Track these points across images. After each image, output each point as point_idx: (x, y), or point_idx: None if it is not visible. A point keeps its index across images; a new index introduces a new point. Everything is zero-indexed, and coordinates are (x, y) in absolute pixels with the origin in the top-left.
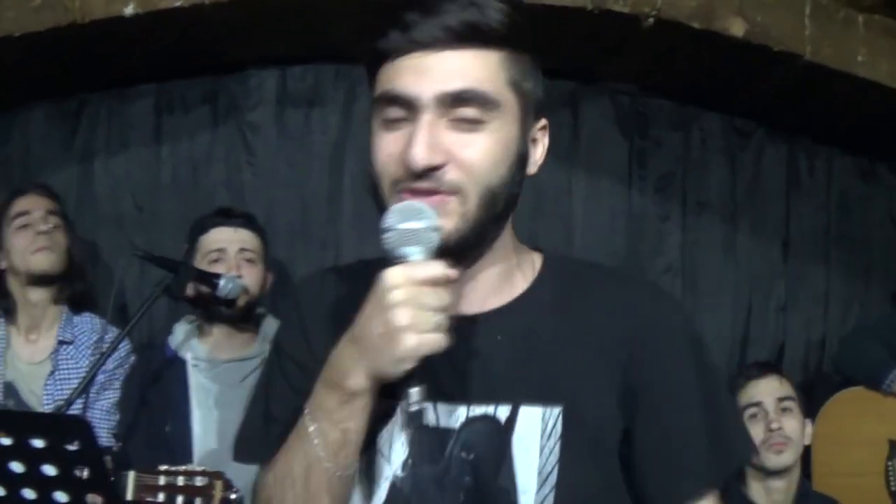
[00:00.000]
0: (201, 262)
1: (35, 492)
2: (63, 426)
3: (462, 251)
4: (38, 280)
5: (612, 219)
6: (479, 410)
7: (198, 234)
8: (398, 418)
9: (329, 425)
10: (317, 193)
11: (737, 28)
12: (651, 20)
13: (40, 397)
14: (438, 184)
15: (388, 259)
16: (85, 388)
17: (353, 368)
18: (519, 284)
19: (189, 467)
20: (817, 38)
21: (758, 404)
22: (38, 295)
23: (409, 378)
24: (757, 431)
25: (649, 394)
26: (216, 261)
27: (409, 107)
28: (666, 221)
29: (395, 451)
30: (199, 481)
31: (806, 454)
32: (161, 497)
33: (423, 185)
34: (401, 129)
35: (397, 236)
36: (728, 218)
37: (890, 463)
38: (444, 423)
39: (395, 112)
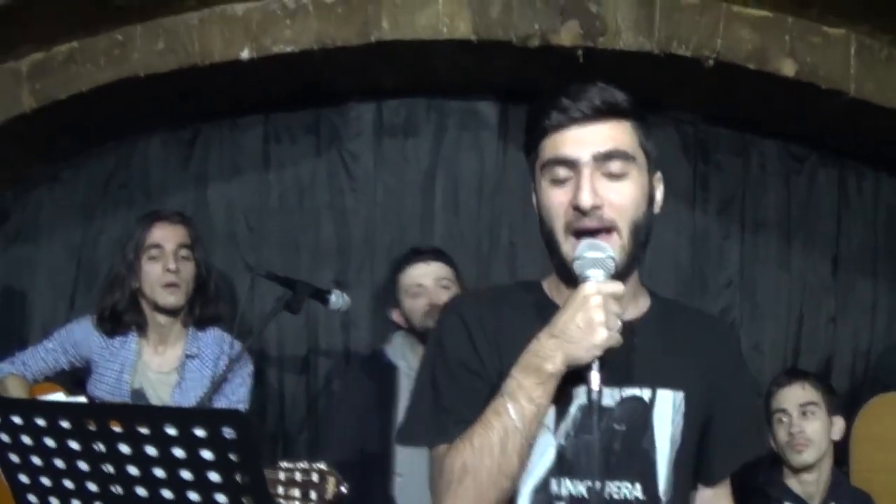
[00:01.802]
0: (405, 297)
1: (192, 473)
2: (222, 417)
3: (620, 275)
4: (165, 311)
5: (678, 237)
6: (628, 392)
7: (396, 273)
8: (563, 401)
9: (527, 402)
10: (411, 216)
11: (788, 69)
12: (711, 62)
13: (167, 403)
14: (600, 221)
15: (579, 280)
16: (210, 395)
17: (552, 356)
18: (642, 302)
19: (305, 464)
20: (861, 75)
21: (783, 410)
22: (165, 319)
23: (590, 367)
24: (782, 434)
25: (725, 395)
26: (418, 294)
27: (573, 166)
28: (727, 239)
29: (557, 424)
30: (315, 477)
31: (844, 450)
32: (280, 490)
33: (588, 222)
34: (566, 185)
35: (584, 262)
36: (783, 236)
37: None
38: (602, 402)
39: (562, 172)
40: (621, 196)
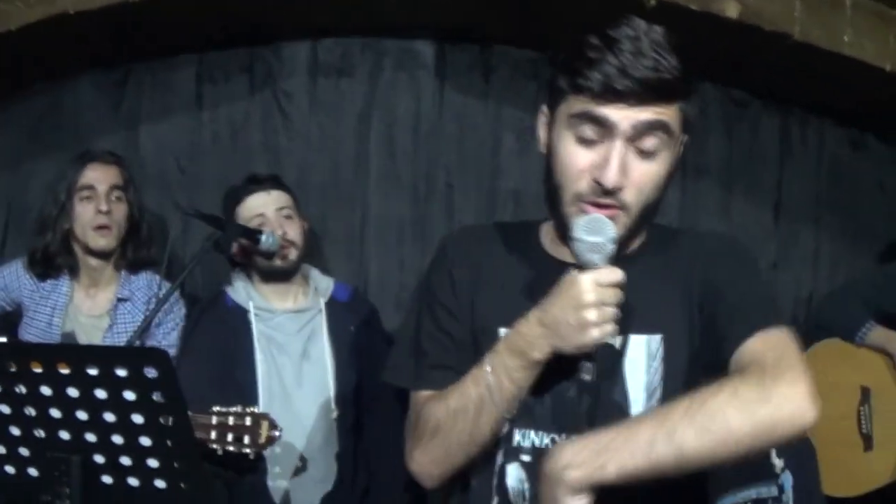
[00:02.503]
0: None
1: (115, 414)
2: (143, 355)
3: (620, 245)
4: (96, 254)
5: None
6: None
7: (234, 203)
8: None
9: (508, 381)
10: (345, 156)
11: (731, 10)
12: (653, 2)
13: None
14: (616, 201)
15: (578, 265)
16: (139, 336)
17: (540, 344)
18: (633, 245)
19: (238, 409)
20: (806, 19)
21: None
22: (97, 262)
23: (583, 359)
24: None
25: (717, 283)
26: (260, 225)
27: (606, 129)
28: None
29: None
30: (248, 421)
31: None
32: (213, 434)
33: (605, 200)
34: (593, 148)
35: (584, 246)
36: (724, 183)
37: (861, 408)
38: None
39: (590, 132)
40: (645, 178)
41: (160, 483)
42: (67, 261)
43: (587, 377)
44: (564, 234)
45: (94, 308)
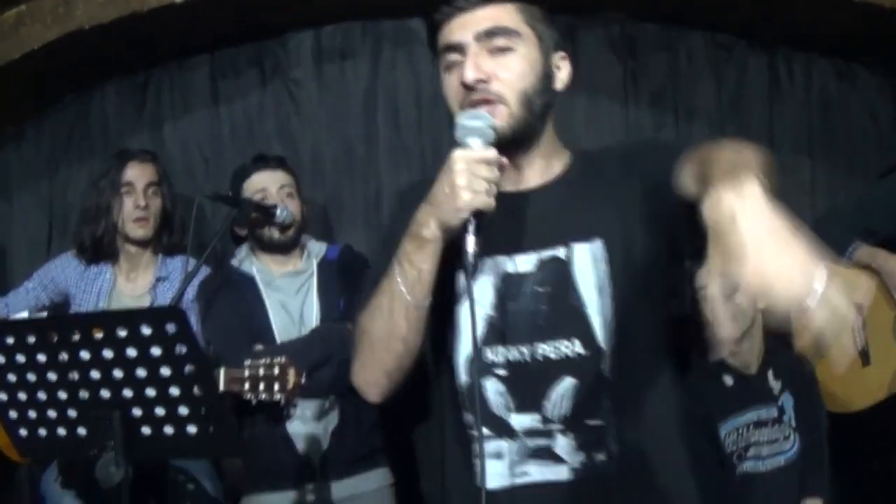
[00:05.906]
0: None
1: (146, 370)
2: (163, 313)
3: (516, 140)
4: (135, 242)
5: (612, 132)
6: (546, 254)
7: (241, 180)
8: (486, 273)
9: (408, 266)
10: (355, 134)
11: None
12: None
13: None
14: (486, 94)
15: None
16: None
17: (427, 221)
18: (556, 168)
19: (267, 360)
20: None
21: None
22: (136, 249)
23: (466, 231)
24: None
25: (662, 177)
26: (262, 199)
27: (460, 50)
28: (661, 130)
29: (485, 297)
30: (277, 371)
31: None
32: (247, 386)
33: (476, 96)
34: (457, 68)
35: (462, 131)
36: (716, 123)
37: (855, 325)
38: (521, 269)
39: (452, 57)
40: (507, 69)
41: (191, 428)
42: (112, 248)
43: (470, 250)
44: None
45: (135, 289)
